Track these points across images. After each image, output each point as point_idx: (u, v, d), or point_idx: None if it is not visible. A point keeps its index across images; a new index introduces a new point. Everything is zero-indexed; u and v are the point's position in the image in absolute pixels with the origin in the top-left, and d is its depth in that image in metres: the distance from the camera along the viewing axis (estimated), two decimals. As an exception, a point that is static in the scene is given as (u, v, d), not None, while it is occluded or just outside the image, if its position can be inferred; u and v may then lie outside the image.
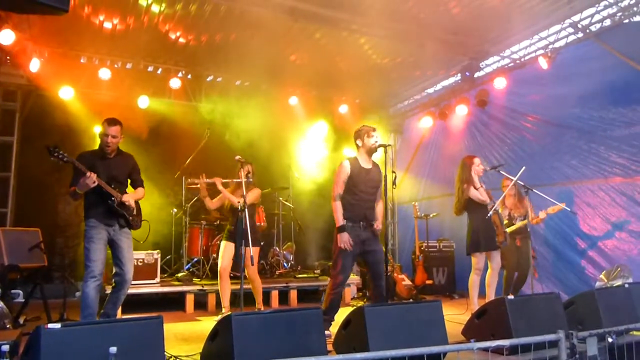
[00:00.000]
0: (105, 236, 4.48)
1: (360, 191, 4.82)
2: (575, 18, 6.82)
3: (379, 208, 5.01)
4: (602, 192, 6.46)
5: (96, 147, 4.79)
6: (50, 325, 2.62)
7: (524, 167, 5.63)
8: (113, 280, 4.56)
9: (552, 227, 6.98)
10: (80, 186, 4.27)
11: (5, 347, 2.34)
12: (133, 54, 7.85)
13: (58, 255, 7.89)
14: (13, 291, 5.54)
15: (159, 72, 8.37)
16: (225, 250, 5.88)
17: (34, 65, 6.91)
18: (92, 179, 4.26)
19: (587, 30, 6.74)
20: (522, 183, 5.64)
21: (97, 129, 7.69)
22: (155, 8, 6.62)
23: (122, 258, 4.55)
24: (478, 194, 5.67)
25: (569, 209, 6.03)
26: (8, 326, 4.62)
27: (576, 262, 6.66)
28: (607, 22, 6.54)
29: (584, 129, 6.64)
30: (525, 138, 7.50)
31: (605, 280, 5.80)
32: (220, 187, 5.85)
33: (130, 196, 4.67)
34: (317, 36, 7.43)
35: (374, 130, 4.91)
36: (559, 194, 6.48)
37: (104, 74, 7.53)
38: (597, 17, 6.64)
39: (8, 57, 6.61)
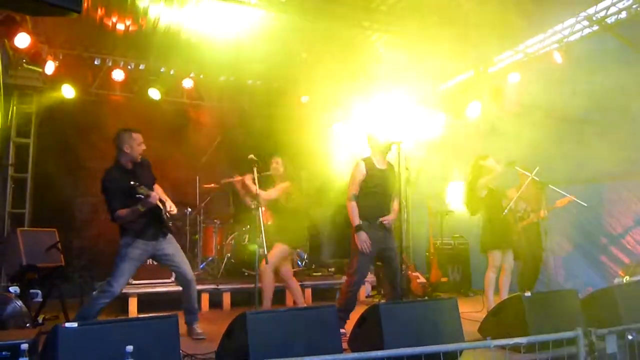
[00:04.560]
0: (145, 257, 4.47)
1: (376, 192, 4.82)
2: (591, 11, 6.72)
3: (395, 204, 4.98)
4: (626, 190, 6.32)
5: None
6: (67, 324, 2.65)
7: (537, 167, 5.65)
8: (177, 283, 4.69)
9: (573, 223, 6.83)
10: (146, 204, 4.24)
11: (25, 346, 2.37)
12: (146, 55, 7.91)
13: (75, 255, 7.98)
14: (31, 291, 5.61)
15: (171, 72, 8.41)
16: None
17: (49, 67, 7.00)
18: (156, 198, 4.28)
19: (603, 24, 6.63)
20: (537, 179, 5.59)
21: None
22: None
23: (175, 262, 4.59)
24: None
25: (584, 204, 5.93)
26: (27, 325, 4.69)
27: (598, 259, 6.51)
28: (623, 15, 6.43)
29: (604, 124, 6.47)
30: (543, 134, 7.37)
31: (624, 277, 5.72)
32: (248, 183, 5.48)
33: (171, 201, 4.65)
34: (329, 34, 7.41)
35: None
36: (581, 192, 6.37)
37: (118, 75, 7.60)
38: (612, 10, 6.53)
39: (24, 60, 6.69)
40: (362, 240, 4.69)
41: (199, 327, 4.77)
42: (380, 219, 4.81)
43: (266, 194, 5.34)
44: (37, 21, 6.36)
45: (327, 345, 3.18)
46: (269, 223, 5.81)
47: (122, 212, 4.26)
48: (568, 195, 5.87)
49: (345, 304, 4.78)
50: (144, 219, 4.35)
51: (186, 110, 8.30)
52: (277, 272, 5.43)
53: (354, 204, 4.80)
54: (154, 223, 4.42)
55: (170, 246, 4.58)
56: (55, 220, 6.67)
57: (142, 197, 4.20)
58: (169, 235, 4.62)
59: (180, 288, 4.78)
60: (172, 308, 6.40)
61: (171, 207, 4.60)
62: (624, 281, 5.58)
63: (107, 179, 4.36)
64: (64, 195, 8.02)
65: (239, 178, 5.53)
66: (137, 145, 4.48)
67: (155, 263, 6.43)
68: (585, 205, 5.95)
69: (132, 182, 4.19)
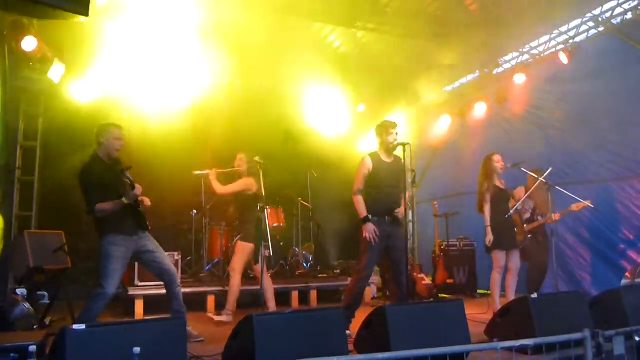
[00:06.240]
0: (129, 255, 4.34)
1: (384, 185, 4.80)
2: (596, 12, 6.70)
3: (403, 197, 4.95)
4: (634, 191, 6.25)
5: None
6: (75, 326, 2.66)
7: (550, 169, 5.56)
8: (162, 281, 4.55)
9: (588, 225, 6.79)
10: (132, 197, 4.20)
11: (33, 348, 2.38)
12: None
13: (82, 258, 7.99)
14: (38, 293, 5.63)
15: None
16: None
17: (56, 70, 7.03)
18: (140, 190, 4.22)
19: (609, 24, 6.61)
20: (544, 180, 5.57)
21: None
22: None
23: (159, 258, 4.49)
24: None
25: (592, 206, 5.91)
26: (34, 327, 4.72)
27: (615, 262, 6.43)
28: (629, 16, 6.41)
29: (611, 125, 6.43)
30: (550, 135, 7.31)
31: (631, 278, 5.69)
32: (212, 178, 5.70)
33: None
34: (334, 36, 7.43)
35: (395, 127, 4.87)
36: (591, 193, 6.32)
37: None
38: (618, 11, 6.52)
39: (31, 63, 6.72)
40: (370, 230, 4.68)
41: (193, 329, 4.71)
42: (395, 212, 4.80)
43: (223, 189, 5.65)
44: (43, 24, 6.39)
45: (333, 347, 3.18)
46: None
47: (104, 205, 4.17)
48: (582, 200, 5.82)
49: (351, 302, 4.78)
50: (122, 213, 4.26)
51: (192, 112, 8.29)
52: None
53: (359, 197, 4.80)
54: (132, 217, 4.35)
55: (152, 242, 4.50)
56: (62, 223, 6.69)
57: (130, 182, 4.15)
58: (147, 232, 4.52)
59: (165, 291, 4.59)
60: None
61: (146, 200, 4.53)
62: (632, 282, 5.56)
63: (87, 173, 4.30)
64: (71, 197, 8.01)
65: (211, 172, 5.75)
66: (114, 140, 4.46)
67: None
68: (592, 206, 5.92)
69: (121, 168, 4.19)
